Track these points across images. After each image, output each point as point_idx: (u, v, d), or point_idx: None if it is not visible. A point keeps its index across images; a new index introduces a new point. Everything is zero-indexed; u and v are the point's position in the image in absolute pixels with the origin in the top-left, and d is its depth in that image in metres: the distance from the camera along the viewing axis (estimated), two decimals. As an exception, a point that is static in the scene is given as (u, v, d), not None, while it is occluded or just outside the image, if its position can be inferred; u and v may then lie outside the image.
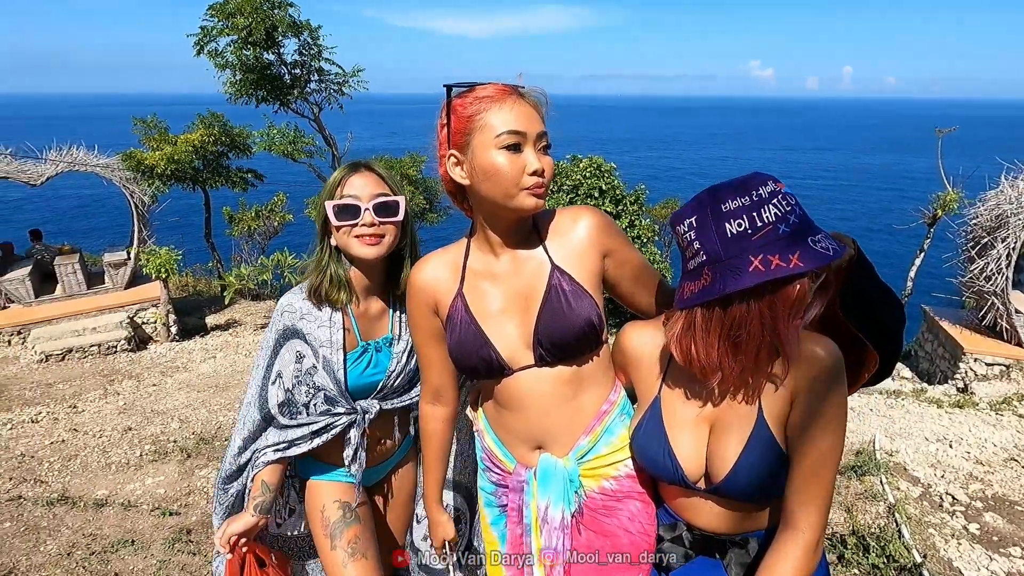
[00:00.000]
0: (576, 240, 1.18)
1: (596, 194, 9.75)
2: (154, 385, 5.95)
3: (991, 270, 6.84)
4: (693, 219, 0.97)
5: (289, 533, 1.65)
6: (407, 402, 1.55)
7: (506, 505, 1.31)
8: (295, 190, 12.50)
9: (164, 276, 7.36)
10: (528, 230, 1.20)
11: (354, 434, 1.48)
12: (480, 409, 1.35)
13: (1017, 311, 6.87)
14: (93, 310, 7.71)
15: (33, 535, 3.11)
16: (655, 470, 1.14)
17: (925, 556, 2.85)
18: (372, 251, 1.36)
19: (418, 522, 1.71)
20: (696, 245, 0.97)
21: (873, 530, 3.05)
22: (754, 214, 0.91)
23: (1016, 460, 4.09)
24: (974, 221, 7.30)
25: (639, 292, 1.26)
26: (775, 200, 0.92)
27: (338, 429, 1.47)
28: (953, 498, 3.53)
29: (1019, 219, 6.68)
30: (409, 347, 1.49)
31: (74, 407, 5.28)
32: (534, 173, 1.07)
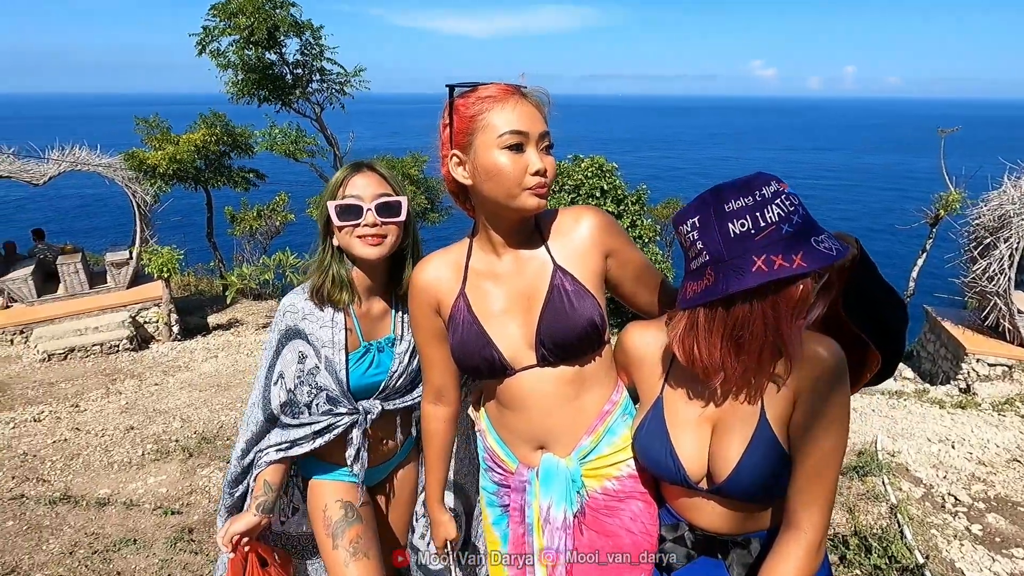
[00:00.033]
0: (578, 240, 1.18)
1: (598, 194, 9.75)
2: (156, 384, 5.96)
3: (994, 270, 6.83)
4: (696, 219, 0.97)
5: (292, 531, 1.65)
6: (409, 403, 1.55)
7: (508, 505, 1.31)
8: (297, 190, 12.52)
9: (166, 276, 7.38)
10: (530, 230, 1.20)
11: (356, 434, 1.48)
12: (482, 409, 1.35)
13: (1020, 311, 6.85)
14: (95, 309, 7.73)
15: (36, 534, 3.12)
16: (657, 470, 1.14)
17: (927, 557, 2.85)
18: (374, 251, 1.36)
19: (416, 521, 1.71)
20: (699, 245, 0.96)
21: (875, 531, 3.05)
22: (757, 214, 0.91)
23: (1019, 461, 4.08)
24: (976, 221, 7.29)
25: (641, 292, 1.26)
26: (778, 200, 0.92)
27: (340, 429, 1.47)
28: (955, 499, 3.52)
29: (1022, 219, 6.66)
30: (411, 347, 1.49)
31: (76, 406, 5.29)
32: (536, 173, 1.07)
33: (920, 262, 9.37)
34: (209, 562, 2.85)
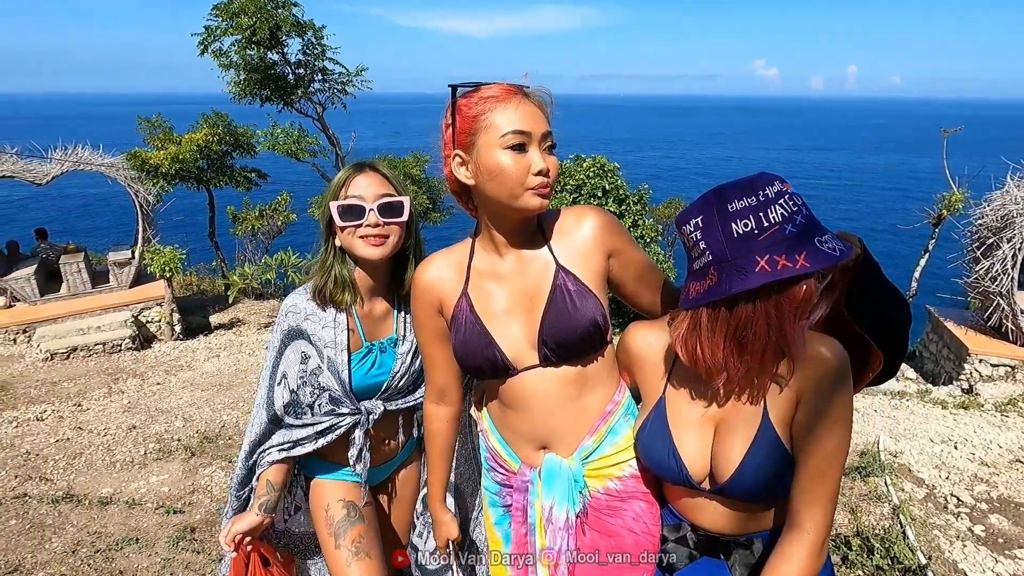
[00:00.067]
0: (581, 240, 1.18)
1: (600, 194, 9.74)
2: (158, 384, 5.97)
3: (996, 271, 6.81)
4: (699, 219, 0.97)
5: (295, 530, 1.66)
6: (412, 403, 1.55)
7: (510, 505, 1.31)
8: (299, 189, 12.53)
9: (168, 275, 7.39)
10: (533, 230, 1.20)
11: (358, 434, 1.48)
12: (484, 409, 1.35)
13: (1023, 311, 6.84)
14: (98, 309, 7.75)
15: (38, 533, 3.13)
16: (660, 470, 1.14)
17: (930, 558, 2.84)
18: (377, 252, 1.36)
19: (416, 518, 1.71)
20: (702, 245, 0.96)
21: (877, 531, 3.04)
22: (760, 214, 0.91)
23: (1021, 462, 4.07)
24: (979, 221, 7.27)
25: (644, 292, 1.26)
26: (782, 200, 0.92)
27: (343, 430, 1.47)
28: (958, 499, 3.52)
29: (1025, 219, 6.65)
30: (414, 348, 1.49)
31: (79, 405, 5.30)
32: (539, 173, 1.07)
33: (922, 262, 9.35)
34: (211, 561, 2.86)
